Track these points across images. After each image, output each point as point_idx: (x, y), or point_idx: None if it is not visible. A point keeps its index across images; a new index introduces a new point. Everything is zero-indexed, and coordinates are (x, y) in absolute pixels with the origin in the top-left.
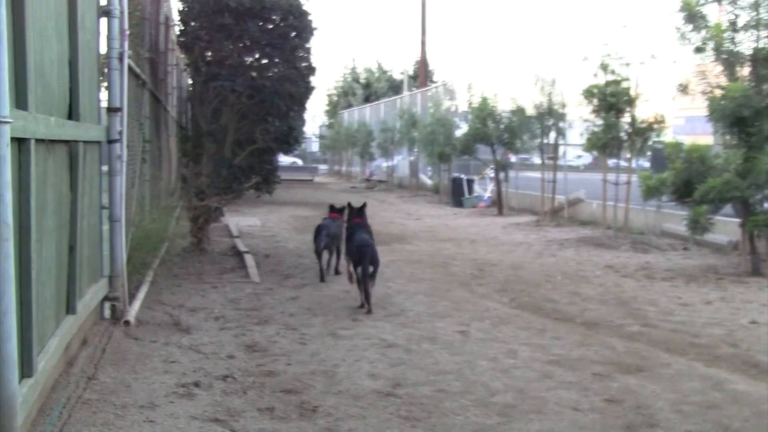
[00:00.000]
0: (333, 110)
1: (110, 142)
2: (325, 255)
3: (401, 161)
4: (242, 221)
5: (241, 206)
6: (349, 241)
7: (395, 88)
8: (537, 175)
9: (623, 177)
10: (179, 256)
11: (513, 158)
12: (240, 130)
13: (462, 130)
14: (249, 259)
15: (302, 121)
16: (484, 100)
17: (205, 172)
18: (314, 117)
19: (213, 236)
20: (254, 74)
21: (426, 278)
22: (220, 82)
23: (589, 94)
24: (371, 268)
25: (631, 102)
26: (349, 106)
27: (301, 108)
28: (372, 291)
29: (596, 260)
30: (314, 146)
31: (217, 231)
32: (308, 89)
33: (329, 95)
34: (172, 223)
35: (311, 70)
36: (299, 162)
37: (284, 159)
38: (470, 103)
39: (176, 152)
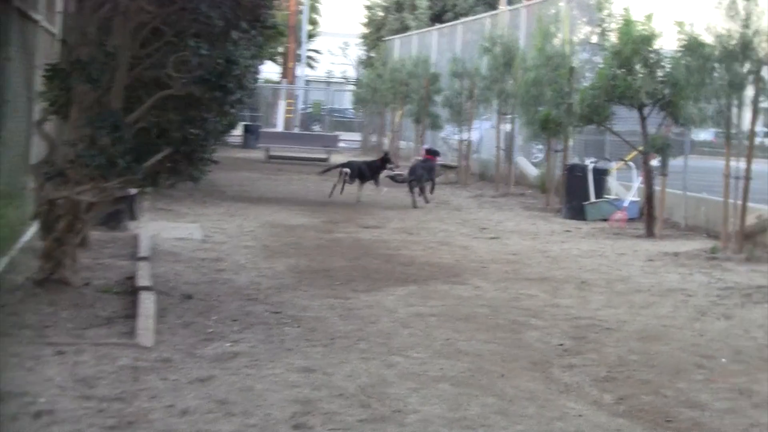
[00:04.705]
0: (376, 35)
1: None
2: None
3: (487, 132)
4: (170, 230)
5: (180, 201)
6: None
7: None
8: (720, 163)
9: None
10: (16, 291)
11: (677, 133)
12: (141, 63)
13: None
14: (147, 302)
15: (257, 52)
16: (630, 23)
17: (73, 136)
18: (345, 46)
19: (100, 256)
20: None
21: (470, 351)
22: None
23: None
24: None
25: None
26: (405, 29)
27: (255, 26)
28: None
29: None
30: (344, 98)
31: (114, 246)
32: None
33: (371, 8)
34: (17, 228)
35: None
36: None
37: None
38: (603, 30)
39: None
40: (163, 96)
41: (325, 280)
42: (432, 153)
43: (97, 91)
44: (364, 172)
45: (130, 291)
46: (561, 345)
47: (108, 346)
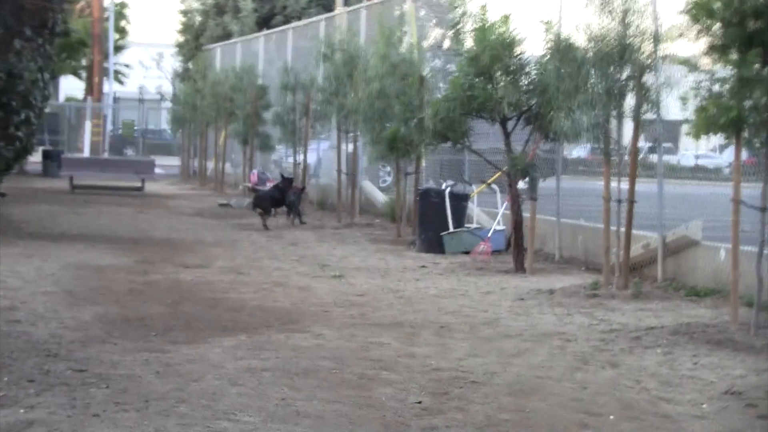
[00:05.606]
0: (194, 44)
1: None
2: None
3: (326, 153)
4: None
5: None
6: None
7: None
8: (598, 184)
9: None
10: None
11: (548, 150)
12: None
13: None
14: None
15: (46, 64)
16: (487, 27)
17: None
18: (159, 58)
19: None
20: None
21: (310, 412)
22: None
23: (702, 11)
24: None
25: None
26: (227, 36)
27: (42, 33)
28: None
29: (707, 377)
30: (160, 117)
31: None
32: None
33: (187, 14)
34: None
35: None
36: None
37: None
38: (457, 33)
39: None
40: None
41: (139, 330)
42: (288, 180)
43: None
44: (276, 198)
45: None
46: (419, 403)
47: None
